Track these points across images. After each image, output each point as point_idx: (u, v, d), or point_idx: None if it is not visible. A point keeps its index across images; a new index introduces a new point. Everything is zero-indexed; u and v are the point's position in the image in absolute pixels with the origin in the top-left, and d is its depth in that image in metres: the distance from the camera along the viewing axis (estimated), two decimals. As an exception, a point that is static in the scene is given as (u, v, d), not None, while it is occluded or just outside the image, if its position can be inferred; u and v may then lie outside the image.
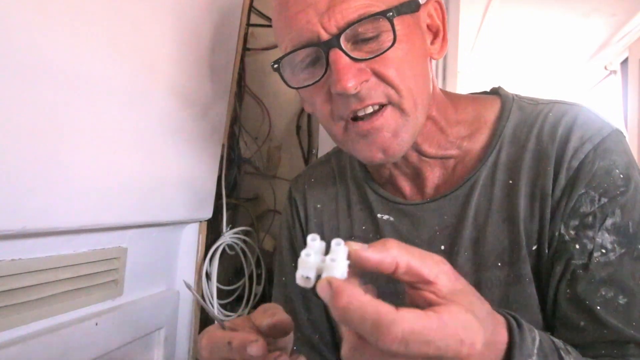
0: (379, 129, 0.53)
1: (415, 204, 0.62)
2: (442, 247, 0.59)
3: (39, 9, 0.47)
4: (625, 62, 2.51)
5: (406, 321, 0.29)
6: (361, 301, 0.30)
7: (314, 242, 0.34)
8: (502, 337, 0.37)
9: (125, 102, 0.62)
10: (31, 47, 0.47)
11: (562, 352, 0.41)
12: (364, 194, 0.68)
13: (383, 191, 0.66)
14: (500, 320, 0.38)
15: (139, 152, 0.66)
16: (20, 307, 0.54)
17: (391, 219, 0.64)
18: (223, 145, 0.94)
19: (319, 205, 0.72)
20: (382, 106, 0.53)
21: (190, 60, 0.74)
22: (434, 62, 1.24)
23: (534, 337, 0.39)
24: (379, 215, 0.65)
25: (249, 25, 1.15)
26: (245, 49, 1.15)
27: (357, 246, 0.33)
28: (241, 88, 1.12)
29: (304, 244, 0.76)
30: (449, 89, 1.18)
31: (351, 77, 0.50)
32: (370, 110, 0.53)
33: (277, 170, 1.22)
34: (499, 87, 0.66)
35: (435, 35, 0.60)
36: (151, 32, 0.65)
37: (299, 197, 0.74)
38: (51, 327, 0.58)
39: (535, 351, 0.38)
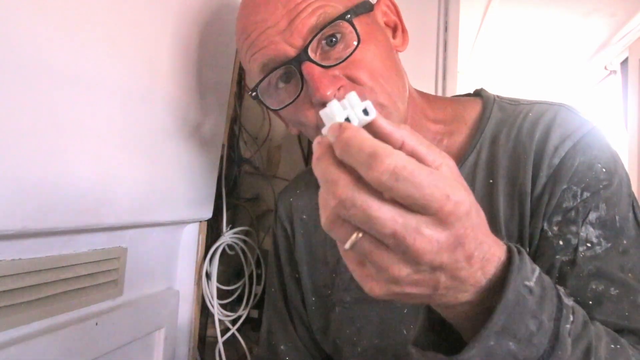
0: None
1: None
2: None
3: (38, 9, 0.47)
4: (625, 62, 2.50)
5: (401, 158, 0.29)
6: (362, 136, 0.30)
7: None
8: (497, 251, 0.35)
9: (125, 102, 0.62)
10: (31, 47, 0.47)
11: (561, 293, 0.39)
12: None
13: None
14: (497, 240, 0.36)
15: (139, 152, 0.66)
16: (20, 307, 0.54)
17: None
18: (223, 145, 0.94)
19: (304, 216, 0.73)
20: None
21: (190, 60, 0.74)
22: (433, 63, 1.25)
23: (534, 268, 0.37)
24: None
25: (249, 25, 1.15)
26: (245, 49, 1.14)
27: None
28: (241, 88, 1.12)
29: (289, 260, 0.78)
30: (449, 89, 1.18)
31: (327, 84, 0.51)
32: None
33: (277, 170, 1.22)
34: (481, 89, 0.67)
35: (394, 30, 0.62)
36: (151, 32, 0.65)
37: (284, 210, 0.75)
38: (51, 327, 0.58)
39: (534, 279, 0.36)
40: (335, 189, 0.30)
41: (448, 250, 0.31)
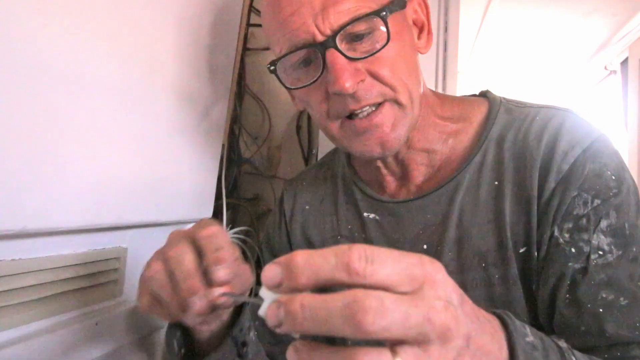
0: (378, 125, 0.54)
1: (399, 202, 0.63)
2: (425, 247, 0.60)
3: (38, 9, 0.47)
4: (625, 62, 2.51)
5: None
6: None
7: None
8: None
9: (125, 102, 0.62)
10: (31, 47, 0.47)
11: (554, 338, 0.40)
12: (351, 193, 0.69)
13: (369, 190, 0.67)
14: (489, 322, 0.34)
15: (138, 151, 0.66)
16: (20, 307, 0.54)
17: (377, 217, 0.64)
18: (223, 145, 0.94)
19: (307, 207, 0.73)
20: (379, 104, 0.54)
21: (191, 60, 0.74)
22: (433, 63, 1.25)
23: (524, 324, 0.38)
24: (364, 214, 0.66)
25: (249, 25, 1.15)
26: (245, 49, 1.15)
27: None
28: (241, 88, 1.12)
29: (282, 246, 0.78)
30: (449, 89, 1.18)
31: (348, 76, 0.51)
32: (367, 110, 0.54)
33: (277, 170, 1.22)
34: (487, 90, 0.67)
35: (420, 30, 0.62)
36: (151, 32, 0.65)
37: (289, 198, 0.76)
38: (51, 327, 0.58)
39: (529, 333, 0.37)
40: None
41: None
